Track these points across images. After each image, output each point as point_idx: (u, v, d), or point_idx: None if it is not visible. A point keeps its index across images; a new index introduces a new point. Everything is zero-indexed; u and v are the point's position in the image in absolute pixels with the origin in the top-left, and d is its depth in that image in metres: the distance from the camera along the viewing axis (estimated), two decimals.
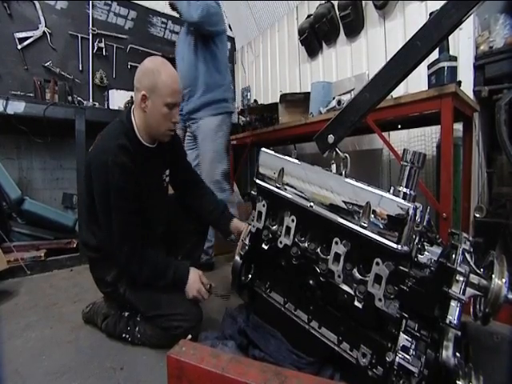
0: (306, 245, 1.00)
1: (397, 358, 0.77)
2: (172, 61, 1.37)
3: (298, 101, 2.70)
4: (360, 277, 0.88)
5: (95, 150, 1.24)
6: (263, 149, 1.14)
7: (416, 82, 2.02)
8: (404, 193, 0.83)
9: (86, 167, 1.25)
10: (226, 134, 2.24)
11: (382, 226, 0.80)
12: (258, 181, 1.14)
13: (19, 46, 2.73)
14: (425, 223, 0.97)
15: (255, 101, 3.79)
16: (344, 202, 0.88)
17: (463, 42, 1.99)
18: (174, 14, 2.16)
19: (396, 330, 0.82)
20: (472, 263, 0.81)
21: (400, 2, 2.35)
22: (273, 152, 1.11)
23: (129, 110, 1.32)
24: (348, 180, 0.89)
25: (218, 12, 2.07)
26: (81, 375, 1.10)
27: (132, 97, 3.06)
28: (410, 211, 0.76)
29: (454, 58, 1.60)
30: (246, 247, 1.23)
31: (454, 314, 0.74)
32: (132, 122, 1.28)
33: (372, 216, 0.81)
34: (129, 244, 1.20)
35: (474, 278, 0.78)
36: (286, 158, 1.06)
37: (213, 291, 1.29)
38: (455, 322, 0.74)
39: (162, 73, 1.22)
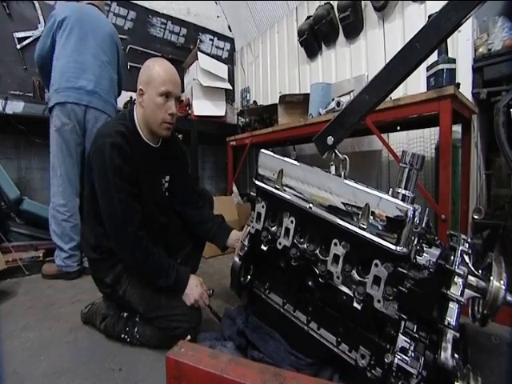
0: (305, 246, 1.00)
1: (395, 359, 0.77)
2: (172, 61, 1.38)
3: (297, 102, 2.71)
4: (359, 278, 0.88)
5: (95, 136, 1.26)
6: (262, 150, 1.14)
7: (415, 84, 2.04)
8: (403, 194, 0.83)
9: (87, 157, 1.27)
10: (57, 137, 2.01)
11: (380, 228, 0.80)
12: (257, 182, 1.14)
13: (18, 46, 2.73)
14: (423, 225, 0.97)
15: (254, 102, 3.81)
16: (343, 203, 0.88)
17: (462, 44, 2.00)
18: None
19: (395, 331, 0.82)
20: (470, 265, 0.81)
21: (399, 3, 2.36)
22: (272, 153, 1.12)
23: (131, 108, 1.35)
24: (347, 181, 0.90)
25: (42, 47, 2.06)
26: (79, 376, 1.10)
27: (131, 97, 3.08)
28: (409, 213, 0.76)
29: (453, 60, 1.61)
30: (245, 248, 1.23)
31: (452, 315, 0.75)
32: (134, 118, 1.31)
33: (371, 217, 0.82)
34: (133, 227, 1.18)
35: (472, 280, 0.79)
36: (285, 159, 1.06)
37: (207, 304, 1.28)
38: (454, 323, 0.74)
39: (156, 66, 1.25)
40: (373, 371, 0.87)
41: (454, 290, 0.76)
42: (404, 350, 0.77)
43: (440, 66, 1.59)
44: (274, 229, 1.11)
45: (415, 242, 0.84)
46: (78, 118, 2.02)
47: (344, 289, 0.92)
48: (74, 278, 2.07)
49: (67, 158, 2.03)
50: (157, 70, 1.24)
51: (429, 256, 0.85)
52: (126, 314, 1.33)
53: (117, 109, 2.30)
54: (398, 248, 0.77)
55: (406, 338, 0.79)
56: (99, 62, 2.11)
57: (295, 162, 1.03)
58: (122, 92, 3.09)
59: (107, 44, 2.18)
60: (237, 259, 1.24)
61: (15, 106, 2.25)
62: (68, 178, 2.04)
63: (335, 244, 0.91)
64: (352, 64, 2.79)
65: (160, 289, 1.23)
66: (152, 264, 1.19)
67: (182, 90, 3.29)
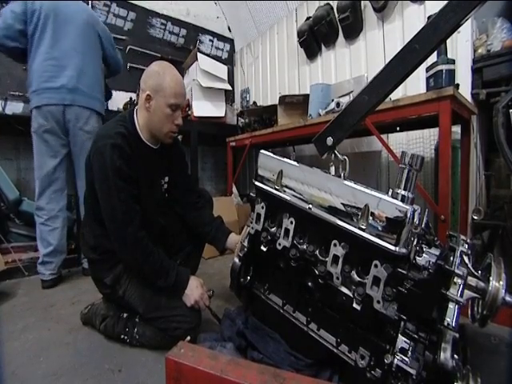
0: (305, 247, 1.00)
1: (395, 359, 0.77)
2: (171, 62, 1.38)
3: (296, 103, 2.71)
4: (358, 279, 0.88)
5: (95, 138, 1.27)
6: (262, 151, 1.15)
7: (415, 85, 2.04)
8: (402, 195, 0.83)
9: (87, 158, 1.27)
10: (35, 140, 1.92)
11: (380, 229, 0.80)
12: (256, 183, 1.14)
13: None
14: (423, 225, 0.97)
15: (254, 102, 3.81)
16: (343, 204, 0.88)
17: (461, 45, 2.01)
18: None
19: (394, 331, 0.82)
20: (470, 265, 0.81)
21: (399, 4, 2.37)
22: (272, 154, 1.12)
23: (132, 109, 1.35)
24: (347, 182, 0.90)
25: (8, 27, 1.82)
26: (79, 377, 1.10)
27: (131, 98, 3.07)
28: (409, 213, 0.76)
29: (452, 61, 1.61)
30: (245, 249, 1.23)
31: (452, 316, 0.75)
32: (134, 120, 1.31)
33: (370, 218, 0.82)
34: (133, 227, 1.18)
35: (471, 281, 0.79)
36: (285, 160, 1.06)
37: (207, 305, 1.28)
38: (453, 324, 0.74)
39: (167, 75, 1.25)
40: (372, 372, 0.87)
41: (454, 291, 0.76)
42: (403, 351, 0.77)
43: (439, 67, 1.59)
44: (273, 229, 1.11)
45: (415, 243, 0.84)
46: (56, 119, 1.91)
47: (344, 289, 0.92)
48: (47, 288, 1.93)
49: (49, 160, 1.94)
50: (168, 80, 1.24)
51: (428, 257, 0.85)
52: (125, 315, 1.33)
53: (104, 102, 2.22)
54: (398, 249, 0.77)
55: (405, 339, 0.79)
56: (80, 54, 1.95)
57: (295, 163, 1.04)
58: (122, 93, 3.10)
59: (87, 32, 1.99)
60: (236, 260, 1.24)
61: (15, 107, 2.25)
62: (49, 181, 1.94)
63: (335, 245, 0.91)
64: (351, 65, 2.79)
65: (160, 289, 1.23)
66: (152, 264, 1.20)
67: None
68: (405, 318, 0.81)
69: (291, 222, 1.03)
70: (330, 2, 2.76)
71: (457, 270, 0.77)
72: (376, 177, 2.58)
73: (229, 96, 3.67)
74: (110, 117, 1.52)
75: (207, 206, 1.62)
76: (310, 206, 0.95)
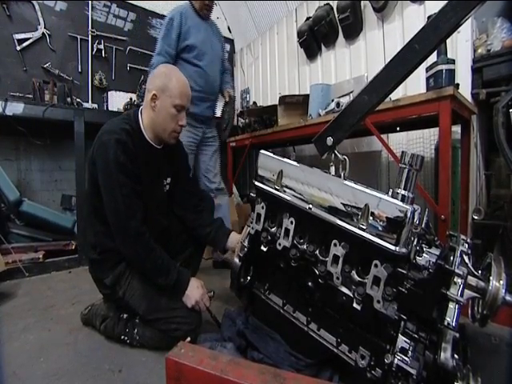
0: (305, 247, 1.00)
1: (395, 359, 0.77)
2: None
3: (296, 103, 2.71)
4: (358, 279, 0.88)
5: (99, 133, 1.28)
6: (262, 151, 1.15)
7: (414, 85, 2.04)
8: (402, 195, 0.83)
9: (90, 153, 1.28)
10: None
11: (380, 228, 0.80)
12: (256, 183, 1.14)
13: (18, 48, 2.73)
14: (423, 225, 0.97)
15: (254, 103, 3.80)
16: (343, 204, 0.88)
17: (461, 45, 2.01)
18: None
19: (394, 331, 0.82)
20: (470, 265, 0.81)
21: (398, 4, 2.36)
22: (272, 154, 1.12)
23: (136, 109, 1.37)
24: (347, 182, 0.90)
25: None
26: (79, 377, 1.10)
27: (131, 98, 3.07)
28: (409, 213, 0.76)
29: (452, 61, 1.61)
30: (245, 249, 1.23)
31: (452, 315, 0.75)
32: (138, 119, 1.33)
33: (371, 218, 0.82)
34: (136, 221, 1.19)
35: (472, 280, 0.79)
36: (285, 160, 1.06)
37: (208, 305, 1.28)
38: (453, 323, 0.74)
39: (173, 76, 1.29)
40: (373, 372, 0.87)
41: (454, 291, 0.76)
42: (404, 351, 0.77)
43: (439, 67, 1.59)
44: (273, 230, 1.11)
45: (415, 243, 0.84)
46: None
47: (344, 289, 0.92)
48: None
49: None
50: (174, 81, 1.28)
51: (428, 256, 0.85)
52: (125, 316, 1.33)
53: None
54: (398, 248, 0.77)
55: (405, 339, 0.79)
56: None
57: (295, 163, 1.04)
58: (122, 93, 3.11)
59: None
60: (237, 260, 1.24)
61: (15, 108, 2.25)
62: None
63: (335, 244, 0.91)
64: (351, 65, 2.79)
65: (160, 288, 1.23)
66: (153, 260, 1.20)
67: None
68: (405, 317, 0.81)
69: (291, 222, 1.03)
70: (330, 2, 2.76)
71: (457, 270, 0.77)
72: (376, 177, 2.58)
73: None
74: None
75: (208, 209, 1.62)
76: (310, 206, 0.95)
